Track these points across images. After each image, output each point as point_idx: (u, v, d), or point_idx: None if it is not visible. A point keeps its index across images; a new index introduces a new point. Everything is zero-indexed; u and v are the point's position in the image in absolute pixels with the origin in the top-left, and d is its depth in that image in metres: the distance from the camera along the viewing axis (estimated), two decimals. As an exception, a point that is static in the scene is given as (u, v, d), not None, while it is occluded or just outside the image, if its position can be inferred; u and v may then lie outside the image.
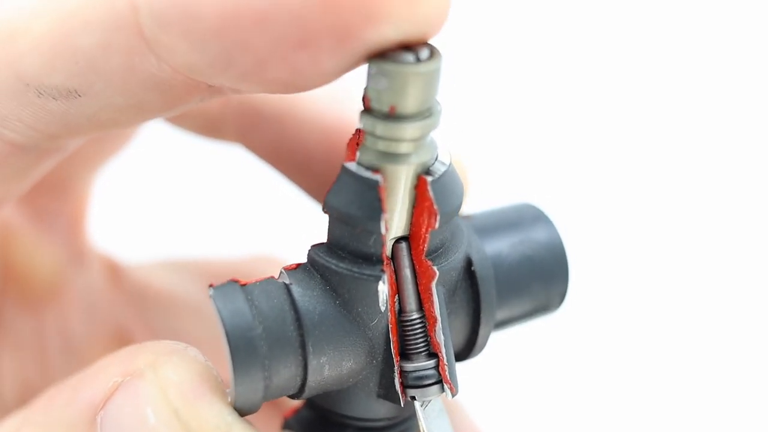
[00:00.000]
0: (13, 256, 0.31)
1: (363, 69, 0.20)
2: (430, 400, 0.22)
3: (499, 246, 0.24)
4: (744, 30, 0.64)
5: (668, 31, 0.64)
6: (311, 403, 0.24)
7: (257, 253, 0.33)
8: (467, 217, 0.24)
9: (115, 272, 0.33)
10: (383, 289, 0.21)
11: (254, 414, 0.21)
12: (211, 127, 0.28)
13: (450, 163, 0.21)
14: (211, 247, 0.42)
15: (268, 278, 0.21)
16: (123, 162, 0.32)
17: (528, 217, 0.24)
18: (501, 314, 0.24)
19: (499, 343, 0.25)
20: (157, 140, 0.34)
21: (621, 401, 0.49)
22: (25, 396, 0.30)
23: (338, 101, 0.26)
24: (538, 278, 0.24)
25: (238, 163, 0.37)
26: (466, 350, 0.23)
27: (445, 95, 0.21)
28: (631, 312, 0.53)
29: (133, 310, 0.33)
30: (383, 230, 0.20)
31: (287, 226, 0.48)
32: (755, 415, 0.49)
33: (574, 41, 0.64)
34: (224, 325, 0.20)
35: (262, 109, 0.26)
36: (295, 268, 0.22)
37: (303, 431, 0.24)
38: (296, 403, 0.25)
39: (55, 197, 0.32)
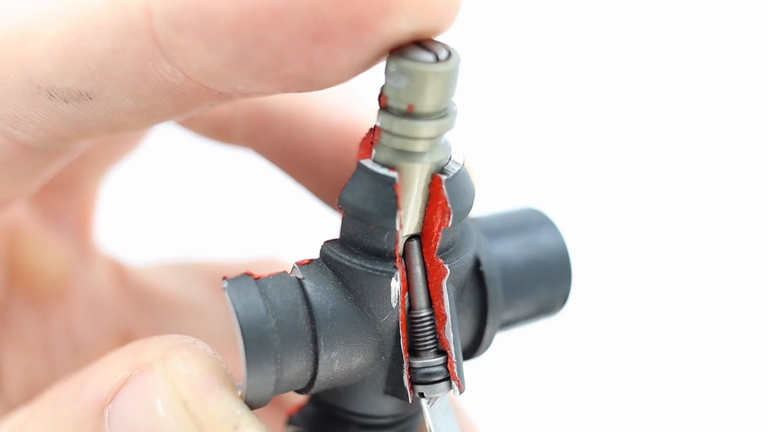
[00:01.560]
0: (21, 254, 0.30)
1: (371, 73, 0.19)
2: (437, 398, 0.21)
3: (505, 248, 0.23)
4: (744, 30, 0.63)
5: (672, 36, 0.63)
6: (316, 400, 0.23)
7: (263, 255, 0.32)
8: (474, 220, 0.23)
9: (120, 273, 0.32)
10: (395, 285, 0.20)
11: (257, 411, 0.20)
12: (221, 131, 0.27)
13: (463, 164, 0.20)
14: (217, 250, 0.41)
15: (281, 273, 0.20)
16: (130, 164, 0.31)
17: (533, 221, 0.24)
18: (506, 315, 0.23)
19: (498, 344, 0.24)
20: (164, 142, 0.33)
21: (620, 403, 0.49)
22: (30, 394, 0.29)
23: (347, 104, 0.25)
24: (543, 281, 0.23)
25: (244, 166, 0.36)
26: (471, 349, 0.23)
27: (455, 98, 0.20)
28: (632, 316, 0.53)
29: (138, 311, 0.32)
30: (398, 227, 0.20)
31: (294, 229, 0.47)
32: (755, 416, 0.48)
33: (583, 46, 0.63)
34: (238, 318, 0.19)
35: (271, 112, 0.26)
36: (308, 264, 0.21)
37: (308, 427, 0.23)
38: (300, 399, 0.24)
39: (64, 197, 0.31)
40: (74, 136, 0.21)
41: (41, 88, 0.20)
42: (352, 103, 0.25)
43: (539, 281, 0.23)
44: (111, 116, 0.20)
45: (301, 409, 0.23)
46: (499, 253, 0.23)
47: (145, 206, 0.52)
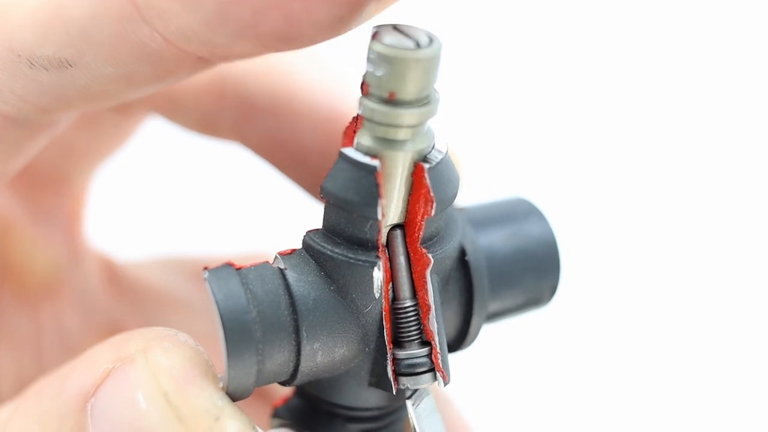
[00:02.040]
0: (11, 251, 0.30)
1: (358, 63, 0.19)
2: (423, 399, 0.21)
3: (492, 238, 0.23)
4: (744, 30, 0.63)
5: (662, 28, 0.63)
6: (301, 392, 0.23)
7: (252, 250, 0.32)
8: (461, 210, 0.23)
9: (110, 269, 0.32)
10: (378, 275, 0.20)
11: (242, 402, 0.20)
12: (208, 124, 0.27)
13: (446, 152, 0.20)
14: (206, 245, 0.41)
15: (263, 263, 0.20)
16: (118, 160, 0.31)
17: (521, 211, 0.23)
18: (493, 306, 0.23)
19: (488, 336, 0.24)
20: (151, 138, 0.33)
21: (610, 395, 0.48)
22: (21, 392, 0.28)
23: (333, 94, 0.25)
24: (530, 271, 0.23)
25: (233, 162, 0.36)
26: (458, 341, 0.22)
27: (441, 88, 0.20)
28: (622, 306, 0.52)
29: (128, 308, 0.32)
30: (380, 216, 0.19)
31: (283, 224, 0.47)
32: (749, 410, 0.48)
33: (567, 35, 0.63)
34: (218, 308, 0.19)
35: (257, 103, 0.25)
36: (290, 254, 0.21)
37: (293, 420, 0.23)
38: (285, 392, 0.23)
39: (54, 194, 0.31)
40: (55, 107, 0.21)
41: (21, 57, 0.20)
42: (339, 94, 0.25)
43: (526, 271, 0.23)
44: (91, 84, 0.20)
45: (286, 402, 0.23)
46: (486, 243, 0.22)
47: (134, 202, 0.52)
